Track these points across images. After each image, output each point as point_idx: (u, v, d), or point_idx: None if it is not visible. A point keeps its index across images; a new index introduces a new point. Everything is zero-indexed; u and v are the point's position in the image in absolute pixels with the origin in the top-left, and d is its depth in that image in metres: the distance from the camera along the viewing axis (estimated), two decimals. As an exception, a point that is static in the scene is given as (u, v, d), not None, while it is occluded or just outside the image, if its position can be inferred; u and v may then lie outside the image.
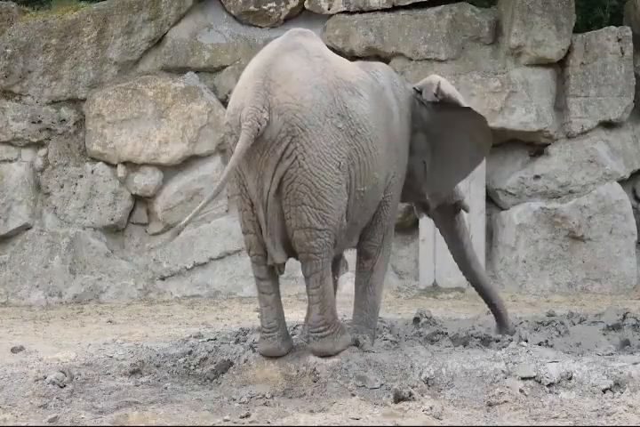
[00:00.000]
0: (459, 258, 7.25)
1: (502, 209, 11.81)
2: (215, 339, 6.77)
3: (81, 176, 11.32)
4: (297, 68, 5.77)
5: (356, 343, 6.04)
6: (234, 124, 5.76)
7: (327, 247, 5.85)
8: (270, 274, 5.95)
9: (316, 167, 5.69)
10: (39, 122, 11.34)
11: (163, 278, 11.33)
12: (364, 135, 5.95)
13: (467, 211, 7.24)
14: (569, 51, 11.66)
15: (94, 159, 11.39)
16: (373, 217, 6.33)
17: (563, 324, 7.31)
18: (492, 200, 11.83)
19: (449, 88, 6.65)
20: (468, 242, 7.21)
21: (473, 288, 7.41)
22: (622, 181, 11.77)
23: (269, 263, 5.89)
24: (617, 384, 5.56)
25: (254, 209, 5.81)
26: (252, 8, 11.65)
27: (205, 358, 6.26)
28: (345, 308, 7.62)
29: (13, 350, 7.39)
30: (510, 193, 11.75)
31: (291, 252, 5.92)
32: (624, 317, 7.48)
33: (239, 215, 5.94)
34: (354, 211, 6.02)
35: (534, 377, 5.62)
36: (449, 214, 7.13)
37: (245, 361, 5.98)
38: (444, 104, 6.60)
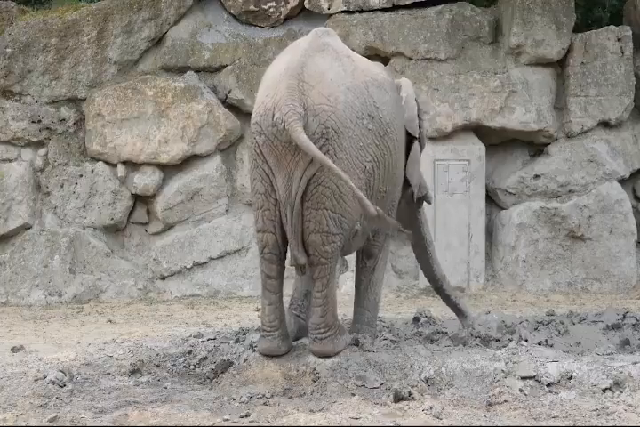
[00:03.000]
0: (424, 265, 7.13)
1: (502, 209, 11.81)
2: (215, 338, 6.75)
3: (81, 176, 11.32)
4: (329, 68, 5.73)
5: (357, 343, 6.05)
6: (264, 124, 5.68)
7: (337, 252, 5.86)
8: (279, 273, 5.94)
9: (343, 171, 5.61)
10: (39, 121, 11.34)
11: (163, 278, 11.32)
12: (392, 135, 5.95)
13: (429, 202, 7.02)
14: (569, 50, 11.66)
15: (94, 159, 11.38)
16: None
17: (563, 323, 7.30)
18: (492, 200, 11.83)
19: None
20: (432, 250, 7.06)
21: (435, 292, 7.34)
22: (622, 181, 11.78)
23: (291, 264, 5.87)
24: (617, 384, 5.56)
25: (278, 209, 5.75)
26: (251, 8, 11.65)
27: (205, 358, 6.26)
28: (345, 308, 7.61)
29: (13, 350, 7.38)
30: (510, 193, 11.75)
31: None
32: (624, 316, 7.47)
33: (257, 213, 5.85)
34: None
35: (534, 377, 5.62)
36: (412, 211, 6.86)
37: (245, 361, 5.98)
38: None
